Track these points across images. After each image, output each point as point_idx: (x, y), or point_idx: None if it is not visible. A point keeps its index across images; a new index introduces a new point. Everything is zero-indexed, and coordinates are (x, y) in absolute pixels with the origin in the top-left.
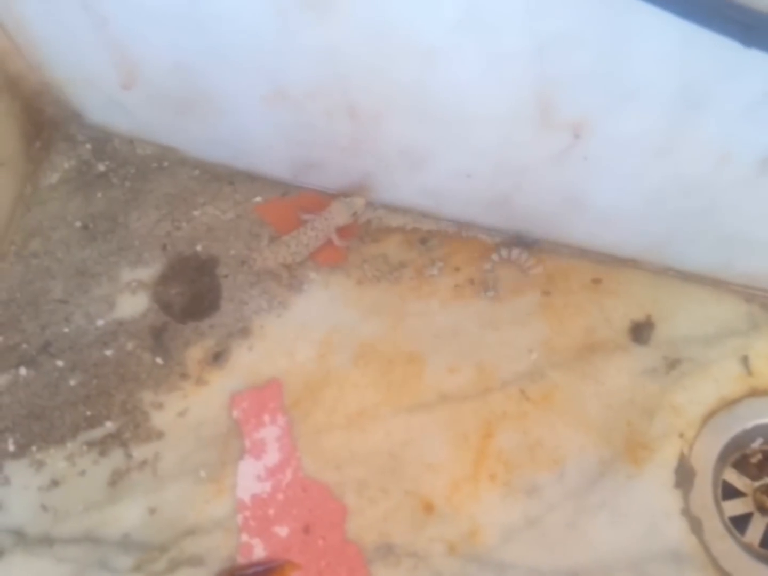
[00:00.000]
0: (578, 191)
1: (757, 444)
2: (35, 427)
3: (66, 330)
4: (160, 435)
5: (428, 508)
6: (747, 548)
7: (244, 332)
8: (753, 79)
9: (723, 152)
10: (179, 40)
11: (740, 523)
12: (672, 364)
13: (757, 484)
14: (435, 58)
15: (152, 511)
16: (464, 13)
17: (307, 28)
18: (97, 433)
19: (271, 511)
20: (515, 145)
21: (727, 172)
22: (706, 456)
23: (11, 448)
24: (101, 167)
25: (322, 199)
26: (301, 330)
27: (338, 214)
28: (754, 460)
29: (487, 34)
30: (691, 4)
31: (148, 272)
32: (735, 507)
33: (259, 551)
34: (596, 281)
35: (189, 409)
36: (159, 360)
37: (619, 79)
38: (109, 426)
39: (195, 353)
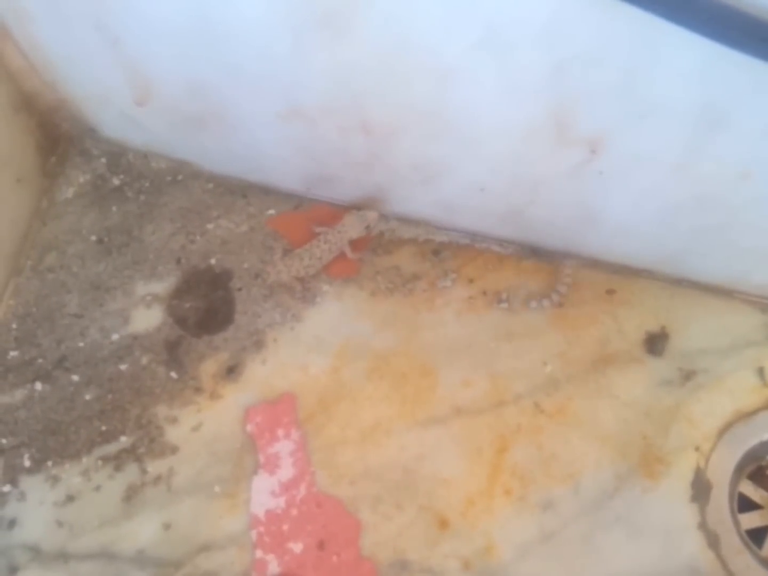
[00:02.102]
0: (593, 205)
1: None
2: (51, 442)
3: (81, 344)
4: (174, 450)
5: (443, 523)
6: (765, 563)
7: (258, 345)
8: None
9: (742, 170)
10: (193, 58)
11: (756, 536)
12: (687, 375)
13: None
14: (452, 76)
15: (167, 526)
16: (483, 32)
17: (322, 48)
18: (112, 447)
19: (286, 527)
20: (530, 159)
21: (746, 189)
22: (722, 469)
23: (27, 463)
24: (116, 181)
25: (335, 212)
26: (314, 343)
27: (351, 227)
28: None
29: (506, 53)
30: (718, 23)
31: (162, 286)
32: (751, 520)
33: (274, 567)
34: (610, 292)
35: (203, 423)
36: (173, 374)
37: (639, 96)
38: (124, 441)
39: (209, 367)
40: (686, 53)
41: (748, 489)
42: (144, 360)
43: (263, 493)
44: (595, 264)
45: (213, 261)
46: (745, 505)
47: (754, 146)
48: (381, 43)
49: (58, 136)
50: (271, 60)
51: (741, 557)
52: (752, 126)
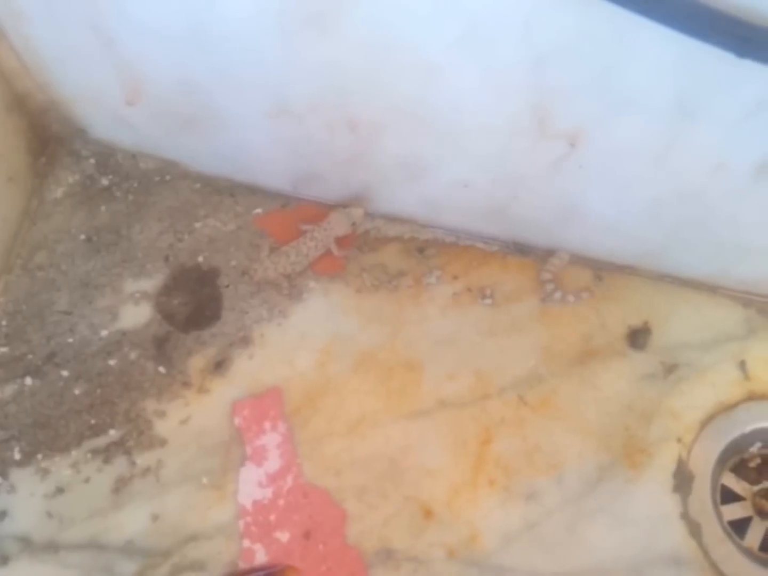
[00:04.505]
0: (575, 199)
1: (755, 448)
2: (41, 436)
3: (70, 340)
4: (162, 442)
5: (428, 513)
6: (746, 552)
7: (245, 341)
8: (747, 89)
9: (718, 161)
10: (184, 59)
11: (739, 527)
12: (669, 369)
13: (756, 488)
14: (435, 73)
15: (155, 517)
16: (465, 29)
17: (309, 46)
18: (101, 441)
19: (273, 517)
20: (512, 155)
21: (722, 180)
22: (704, 460)
23: (17, 456)
24: (105, 181)
25: (321, 210)
26: (301, 338)
27: (337, 225)
28: (752, 464)
29: (487, 49)
30: (688, 19)
31: (151, 283)
32: (734, 511)
33: (261, 556)
34: (594, 287)
35: (191, 417)
36: (162, 369)
37: (615, 90)
38: (113, 434)
39: (197, 362)
40: (659, 47)
41: (731, 481)
42: (133, 355)
43: (250, 484)
44: (578, 260)
45: (201, 259)
46: (729, 496)
47: (727, 137)
48: (366, 42)
49: (48, 137)
50: (260, 60)
51: (723, 546)
52: (725, 118)
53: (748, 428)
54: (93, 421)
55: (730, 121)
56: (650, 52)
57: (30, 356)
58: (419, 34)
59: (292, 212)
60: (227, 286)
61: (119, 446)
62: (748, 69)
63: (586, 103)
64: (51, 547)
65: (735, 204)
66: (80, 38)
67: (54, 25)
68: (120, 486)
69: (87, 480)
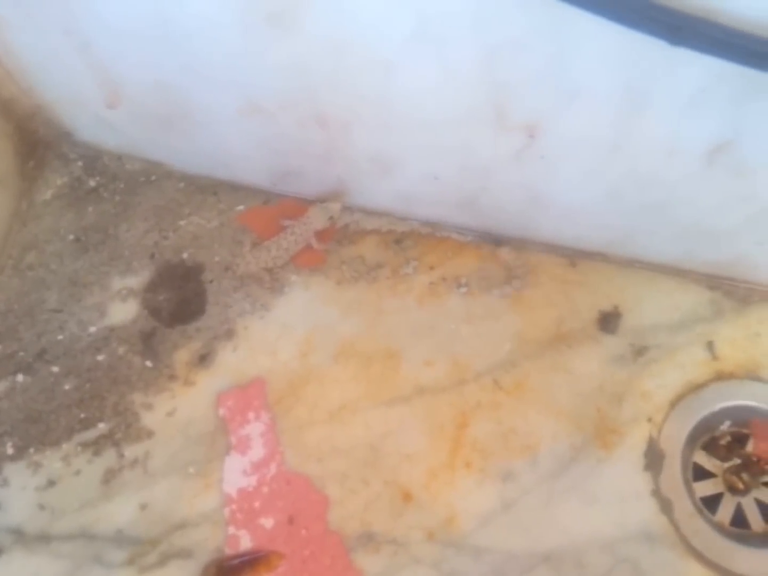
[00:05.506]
0: (540, 189)
1: (725, 426)
2: (32, 431)
3: (60, 337)
4: (150, 434)
5: (407, 496)
6: (717, 527)
7: (229, 334)
8: (688, 77)
9: (671, 147)
10: (157, 60)
11: (712, 503)
12: (639, 351)
13: (726, 465)
14: (393, 69)
15: (144, 507)
16: (415, 26)
17: (273, 45)
18: (90, 434)
19: (257, 504)
20: (476, 147)
21: (677, 166)
22: (674, 439)
23: (10, 451)
24: (92, 183)
25: (301, 206)
26: (283, 330)
27: (316, 219)
28: (723, 441)
29: (439, 45)
30: (619, 8)
31: (137, 280)
32: (706, 488)
33: (246, 542)
34: (565, 274)
35: (177, 408)
36: (148, 363)
37: (565, 81)
38: (102, 427)
39: (182, 355)
40: (601, 38)
41: (702, 459)
42: (120, 350)
43: (235, 473)
44: (549, 249)
45: (185, 255)
46: (701, 474)
47: (676, 124)
48: (326, 40)
49: (35, 140)
50: (227, 59)
51: (693, 521)
52: (670, 105)
53: (717, 407)
54: (83, 415)
55: (676, 108)
56: (593, 43)
57: (21, 353)
58: (373, 31)
59: (273, 208)
60: (211, 282)
61: (108, 439)
62: (685, 57)
63: (539, 95)
64: (43, 538)
65: (692, 189)
66: (57, 43)
67: (32, 31)
68: (109, 477)
69: (77, 472)
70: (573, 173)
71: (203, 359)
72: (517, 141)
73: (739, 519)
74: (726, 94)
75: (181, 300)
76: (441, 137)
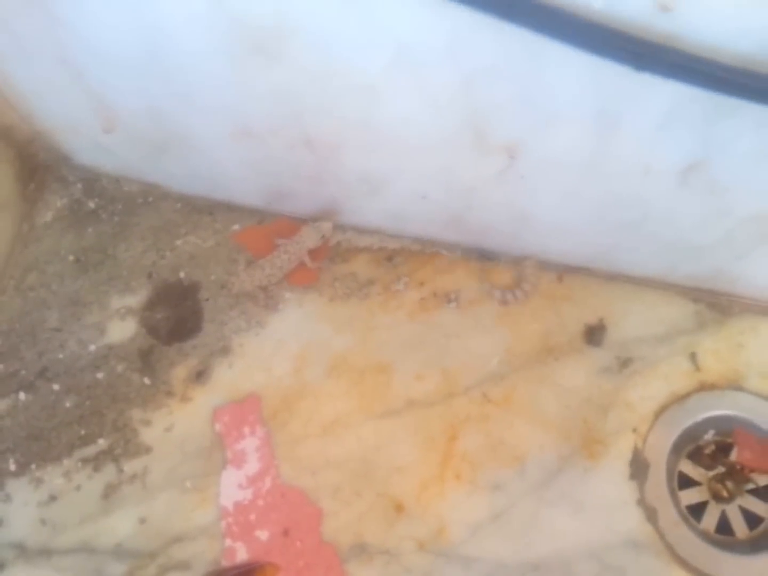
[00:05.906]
0: (523, 208)
1: (709, 435)
2: (34, 447)
3: (61, 356)
4: (148, 450)
5: (399, 508)
6: (702, 535)
7: (225, 351)
8: (658, 99)
9: (645, 167)
10: (149, 87)
11: (697, 511)
12: (624, 363)
13: (711, 473)
14: (376, 94)
15: (142, 521)
16: (394, 53)
17: (260, 72)
18: (90, 450)
19: (253, 517)
20: (459, 168)
21: (652, 184)
22: (659, 448)
23: (12, 467)
24: (91, 204)
25: (295, 225)
26: (277, 346)
27: (308, 238)
28: (707, 450)
29: (418, 71)
30: (585, 37)
31: (135, 299)
32: (690, 496)
33: (242, 554)
34: (552, 289)
35: (175, 424)
36: (147, 380)
37: (540, 105)
38: (102, 443)
39: (180, 372)
40: (574, 64)
41: (688, 467)
42: (119, 368)
43: (231, 487)
44: (541, 264)
45: (182, 274)
46: (686, 482)
47: (648, 145)
48: (310, 66)
49: (35, 164)
50: (216, 86)
51: (678, 529)
52: (641, 127)
53: (701, 417)
54: (83, 432)
55: (648, 129)
56: (565, 69)
57: (23, 372)
58: (354, 58)
59: (267, 227)
60: (207, 300)
61: (108, 454)
62: (654, 80)
63: (516, 118)
64: (44, 553)
65: (669, 207)
66: (53, 73)
67: (27, 61)
68: (109, 492)
69: (78, 487)
70: (553, 192)
71: (200, 376)
72: (498, 162)
73: (724, 526)
74: (697, 114)
75: (178, 318)
76: (426, 159)
